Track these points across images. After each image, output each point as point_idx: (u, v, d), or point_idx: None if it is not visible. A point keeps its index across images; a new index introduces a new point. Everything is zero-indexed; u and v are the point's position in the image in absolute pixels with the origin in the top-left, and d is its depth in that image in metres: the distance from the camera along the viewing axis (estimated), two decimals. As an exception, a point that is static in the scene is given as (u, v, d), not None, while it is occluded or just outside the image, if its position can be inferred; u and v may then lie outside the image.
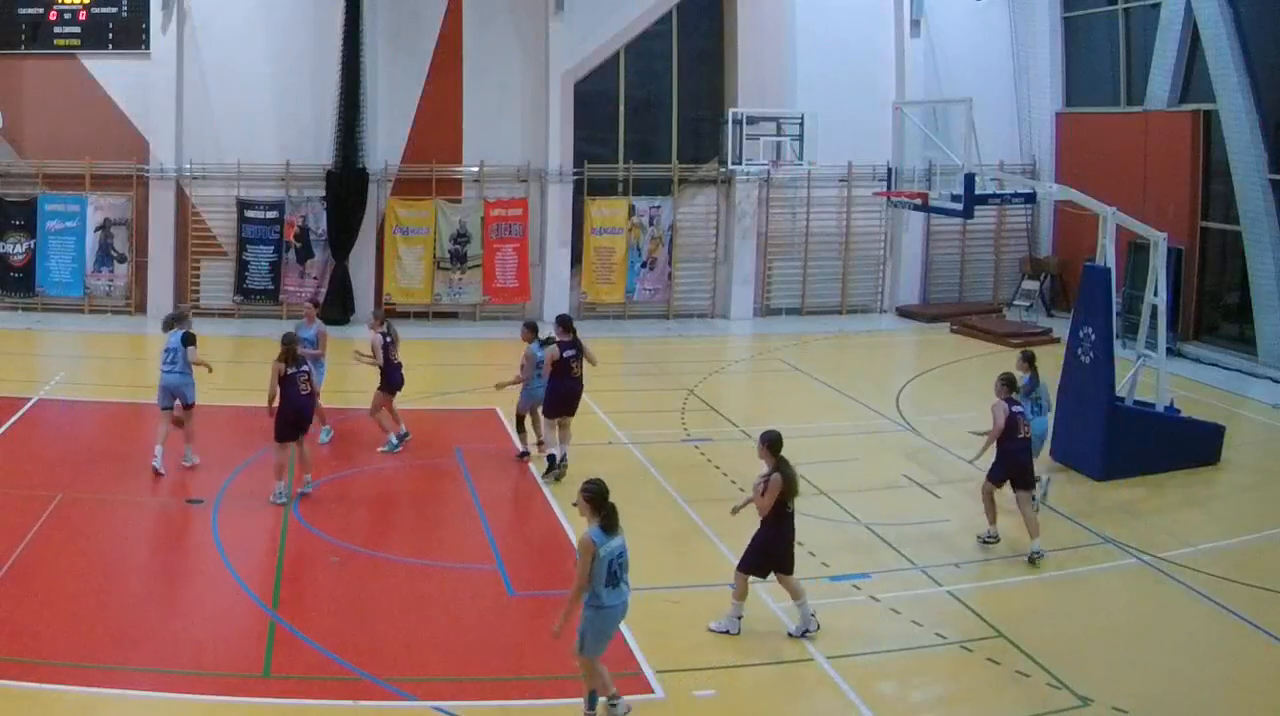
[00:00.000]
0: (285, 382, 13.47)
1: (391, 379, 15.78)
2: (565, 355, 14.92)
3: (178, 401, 14.59)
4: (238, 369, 16.73)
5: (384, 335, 15.80)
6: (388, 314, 17.53)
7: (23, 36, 24.33)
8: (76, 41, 24.32)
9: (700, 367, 21.46)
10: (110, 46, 24.38)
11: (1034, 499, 12.94)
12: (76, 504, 13.26)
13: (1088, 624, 11.20)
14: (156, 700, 9.19)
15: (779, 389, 20.93)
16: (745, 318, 26.36)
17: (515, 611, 11.18)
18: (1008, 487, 12.83)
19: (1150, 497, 14.88)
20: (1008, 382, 13.09)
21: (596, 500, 8.81)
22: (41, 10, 24.23)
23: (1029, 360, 14.59)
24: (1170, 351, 18.38)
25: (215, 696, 9.21)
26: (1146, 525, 13.77)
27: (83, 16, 24.28)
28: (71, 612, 10.50)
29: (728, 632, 10.67)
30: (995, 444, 12.86)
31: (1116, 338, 15.99)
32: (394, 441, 15.78)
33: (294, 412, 13.55)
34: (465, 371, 21.14)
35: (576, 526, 13.10)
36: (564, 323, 15.39)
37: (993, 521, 13.02)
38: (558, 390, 14.88)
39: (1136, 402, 16.00)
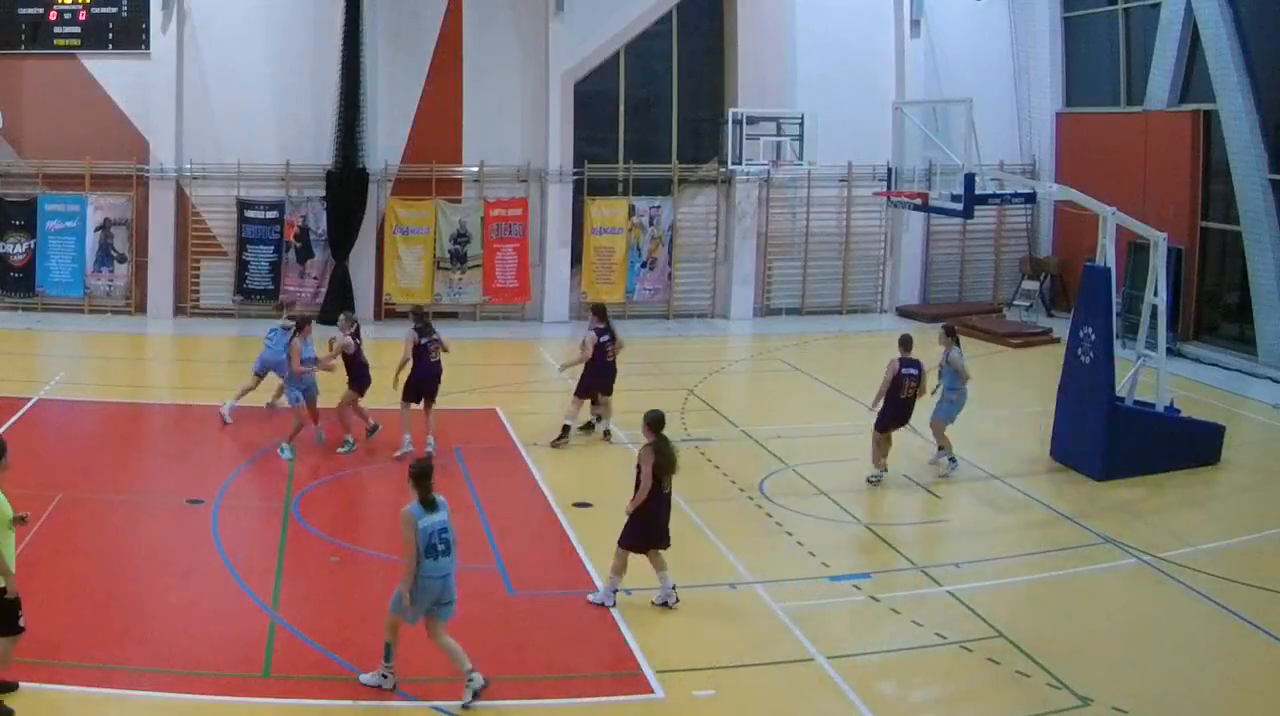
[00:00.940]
0: (417, 350, 15.40)
1: (361, 379, 15.89)
2: (602, 340, 16.31)
3: (270, 374, 16.64)
4: (238, 369, 16.71)
5: (355, 337, 15.96)
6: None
7: (23, 36, 24.32)
8: (76, 41, 24.31)
9: (700, 367, 21.46)
10: (110, 46, 24.37)
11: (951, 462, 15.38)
12: (76, 504, 13.26)
13: (1088, 624, 11.20)
14: (156, 700, 9.19)
15: (779, 389, 20.94)
16: (745, 318, 26.36)
17: (515, 611, 11.18)
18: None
19: (1150, 497, 14.88)
20: (903, 343, 15.24)
21: (416, 478, 9.42)
22: (41, 10, 24.23)
23: (950, 333, 15.75)
24: (1170, 351, 18.37)
25: (215, 696, 9.21)
26: (1146, 525, 13.78)
27: (83, 16, 24.28)
28: (71, 612, 10.50)
29: (604, 605, 11.08)
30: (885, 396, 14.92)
31: (1116, 338, 15.99)
32: (351, 442, 15.78)
33: (422, 377, 15.46)
34: (465, 371, 21.06)
35: (577, 526, 13.16)
36: (599, 312, 16.73)
37: (876, 462, 15.06)
38: (593, 372, 16.32)
39: (1136, 402, 15.99)
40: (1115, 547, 13.02)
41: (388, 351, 17.77)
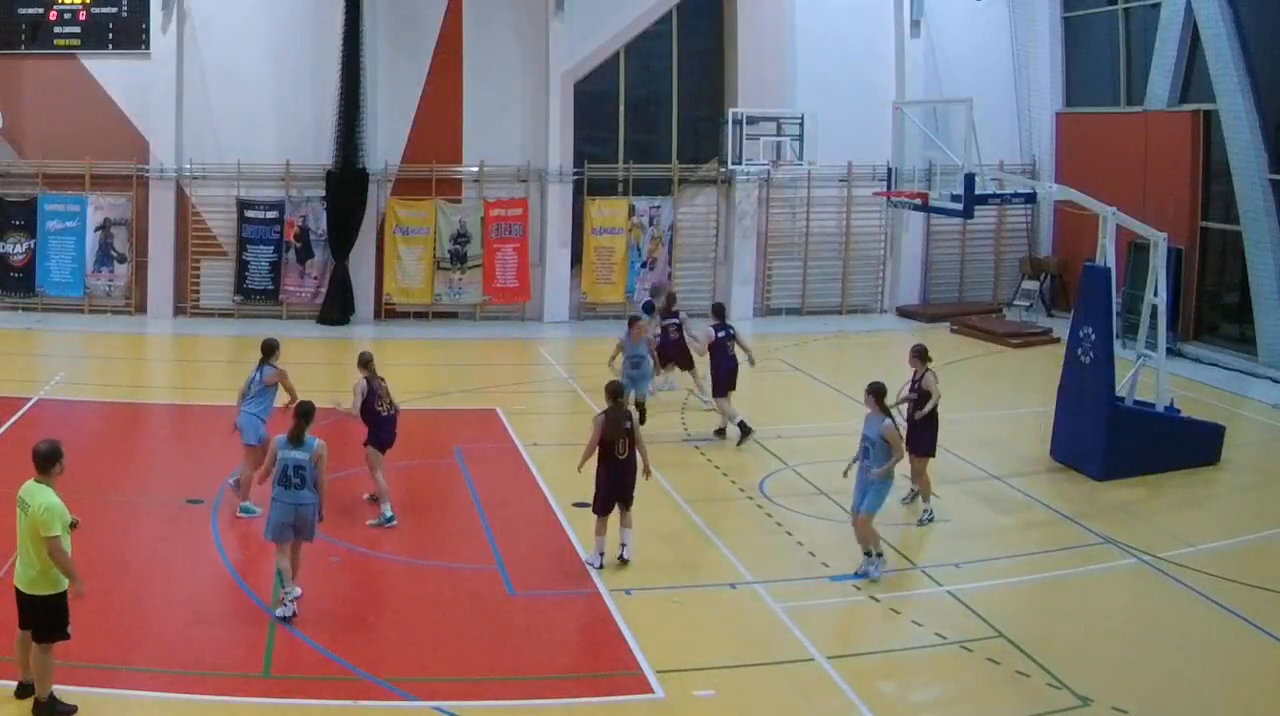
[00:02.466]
0: (663, 332, 18.10)
1: (382, 431, 13.41)
2: (720, 336, 16.98)
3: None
4: (238, 368, 16.70)
5: (372, 381, 13.35)
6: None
7: (23, 36, 24.33)
8: (76, 41, 24.32)
9: (700, 367, 21.37)
10: (110, 46, 24.38)
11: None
12: (76, 504, 13.12)
13: (1088, 624, 11.20)
14: (156, 700, 9.20)
15: (779, 389, 20.91)
16: (745, 318, 26.29)
17: (515, 611, 11.17)
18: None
19: (1150, 497, 14.87)
20: (920, 353, 14.11)
21: (297, 416, 10.84)
22: (41, 10, 24.24)
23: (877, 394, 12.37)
24: (1170, 351, 18.36)
25: (215, 696, 9.21)
26: (1146, 525, 13.77)
27: (83, 16, 24.29)
28: (72, 612, 10.48)
29: (592, 566, 11.96)
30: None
31: (1116, 338, 15.98)
32: (388, 512, 13.24)
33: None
34: (465, 371, 21.14)
35: (577, 526, 13.15)
36: (717, 310, 17.64)
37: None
38: (718, 370, 16.92)
39: (1136, 402, 15.99)
40: (1115, 547, 13.01)
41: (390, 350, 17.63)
